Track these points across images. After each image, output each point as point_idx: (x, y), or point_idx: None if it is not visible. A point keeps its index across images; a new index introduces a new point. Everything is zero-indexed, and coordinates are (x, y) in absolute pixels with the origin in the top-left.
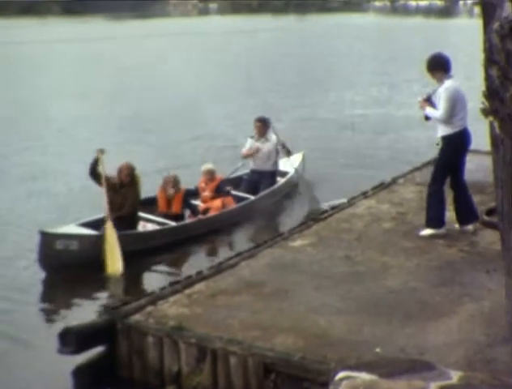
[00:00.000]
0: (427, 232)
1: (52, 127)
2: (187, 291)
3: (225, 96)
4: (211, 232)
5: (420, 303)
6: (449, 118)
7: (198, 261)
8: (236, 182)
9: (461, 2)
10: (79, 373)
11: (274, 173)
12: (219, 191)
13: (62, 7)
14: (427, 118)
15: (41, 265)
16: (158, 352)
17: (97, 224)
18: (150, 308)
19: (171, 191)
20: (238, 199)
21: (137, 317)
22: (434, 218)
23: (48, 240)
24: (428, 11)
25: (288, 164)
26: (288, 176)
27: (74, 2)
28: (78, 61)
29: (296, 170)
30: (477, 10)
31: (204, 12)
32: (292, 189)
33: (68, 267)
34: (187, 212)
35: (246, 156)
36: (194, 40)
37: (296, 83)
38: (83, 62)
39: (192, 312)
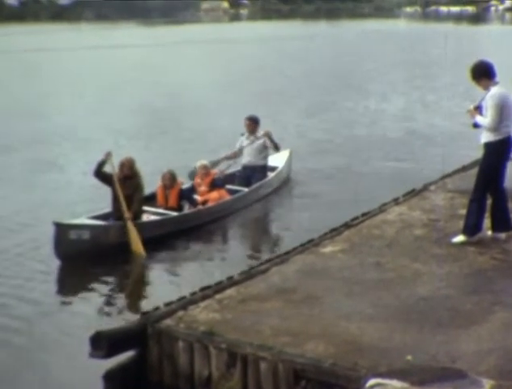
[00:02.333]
0: (459, 239)
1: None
2: (218, 296)
3: (252, 102)
4: (211, 222)
5: (451, 311)
6: (497, 125)
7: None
8: (230, 179)
9: (492, 9)
10: (110, 377)
11: (264, 168)
12: (214, 185)
13: (94, 13)
14: (475, 126)
15: (56, 254)
16: (188, 357)
17: (105, 218)
18: (181, 313)
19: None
20: (232, 193)
21: (168, 321)
22: (471, 226)
23: (62, 230)
24: (460, 17)
25: (277, 160)
26: (278, 170)
27: (105, 8)
28: (108, 67)
29: (285, 165)
30: (509, 16)
31: (235, 18)
32: (283, 183)
33: (81, 255)
34: (186, 206)
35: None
36: (227, 47)
37: (333, 88)
38: (113, 69)
39: (222, 317)
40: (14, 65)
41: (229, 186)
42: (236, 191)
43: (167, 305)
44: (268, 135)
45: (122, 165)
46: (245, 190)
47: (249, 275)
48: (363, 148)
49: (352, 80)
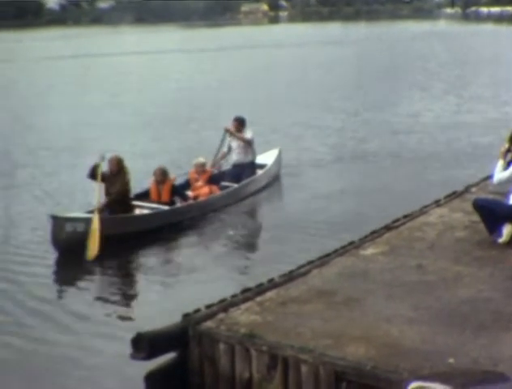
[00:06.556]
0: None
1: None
2: (258, 298)
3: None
4: (202, 215)
5: (493, 313)
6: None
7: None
8: (221, 176)
9: None
10: (151, 379)
11: (253, 164)
12: (211, 181)
13: (134, 16)
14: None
15: (53, 245)
16: (229, 359)
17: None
18: (221, 315)
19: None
20: (223, 188)
21: (208, 324)
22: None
23: (58, 223)
24: (500, 18)
25: (266, 158)
26: (267, 167)
27: (145, 11)
28: (154, 72)
29: (274, 163)
30: None
31: (274, 21)
32: (272, 180)
33: (76, 247)
34: (178, 201)
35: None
36: (274, 51)
37: (386, 87)
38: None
39: (263, 319)
40: (63, 69)
41: (221, 183)
42: (227, 187)
43: (208, 307)
44: (230, 132)
45: (110, 162)
46: (235, 185)
47: (289, 277)
48: (407, 148)
49: (407, 79)
